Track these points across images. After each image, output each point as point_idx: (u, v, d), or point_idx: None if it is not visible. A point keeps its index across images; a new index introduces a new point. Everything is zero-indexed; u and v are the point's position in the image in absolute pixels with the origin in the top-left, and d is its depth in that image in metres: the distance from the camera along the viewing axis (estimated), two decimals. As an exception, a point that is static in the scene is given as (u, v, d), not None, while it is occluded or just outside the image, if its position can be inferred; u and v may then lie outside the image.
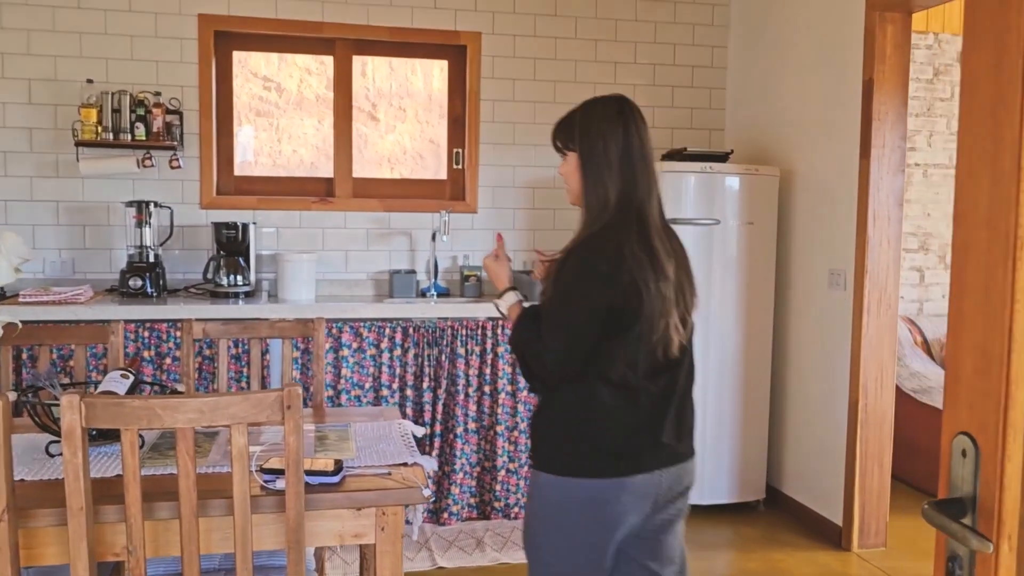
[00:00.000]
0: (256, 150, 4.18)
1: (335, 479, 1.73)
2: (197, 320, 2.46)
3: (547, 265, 1.85)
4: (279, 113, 4.18)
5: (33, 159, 3.83)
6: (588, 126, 1.77)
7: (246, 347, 3.35)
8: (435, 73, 4.30)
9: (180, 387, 1.96)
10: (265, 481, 1.70)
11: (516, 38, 4.26)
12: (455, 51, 4.26)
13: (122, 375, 1.95)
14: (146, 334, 3.40)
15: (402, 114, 4.28)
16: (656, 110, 4.44)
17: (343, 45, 4.16)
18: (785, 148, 4.00)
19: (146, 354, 3.40)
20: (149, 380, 2.14)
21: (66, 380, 2.04)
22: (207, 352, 3.40)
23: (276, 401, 1.52)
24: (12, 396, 1.85)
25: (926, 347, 4.78)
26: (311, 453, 1.94)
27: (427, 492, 1.70)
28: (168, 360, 3.37)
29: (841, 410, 3.56)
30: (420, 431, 2.21)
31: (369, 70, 4.23)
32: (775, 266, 3.96)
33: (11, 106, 3.80)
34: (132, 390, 1.94)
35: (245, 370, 3.39)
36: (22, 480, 1.69)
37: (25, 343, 2.32)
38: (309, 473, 1.70)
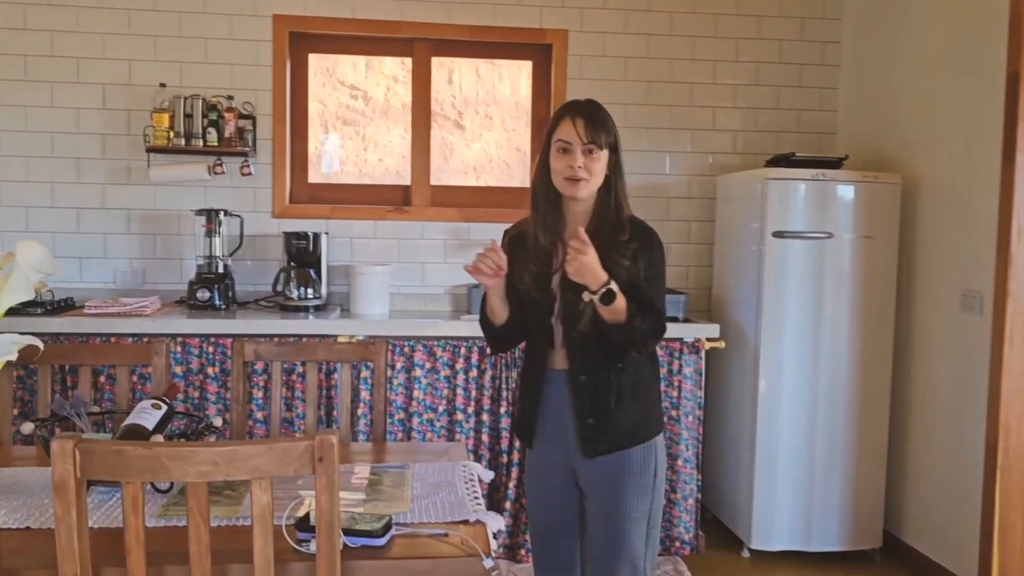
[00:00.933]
0: (342, 159, 4.00)
1: (381, 541, 1.45)
2: (249, 339, 2.24)
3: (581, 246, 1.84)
4: (365, 121, 4.00)
5: (106, 166, 3.74)
6: (615, 128, 1.96)
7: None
8: (522, 80, 4.03)
9: (217, 421, 1.73)
10: (300, 540, 1.44)
11: (606, 36, 3.95)
12: (540, 51, 3.98)
13: (153, 405, 1.74)
14: (211, 349, 3.23)
15: (488, 122, 4.03)
16: (760, 112, 4.05)
17: (422, 45, 3.93)
18: (908, 153, 3.56)
19: (211, 371, 3.22)
20: (184, 411, 1.93)
21: (96, 408, 1.83)
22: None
23: (305, 452, 1.26)
24: (29, 428, 1.65)
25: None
26: (360, 501, 1.68)
27: (489, 563, 1.41)
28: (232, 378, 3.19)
29: (976, 452, 3.09)
30: (488, 475, 1.92)
31: (456, 77, 4.00)
32: (896, 286, 3.52)
33: (85, 111, 3.71)
34: (164, 423, 1.72)
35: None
36: (27, 528, 1.48)
37: (65, 362, 2.14)
38: (350, 533, 1.44)
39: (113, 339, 3.18)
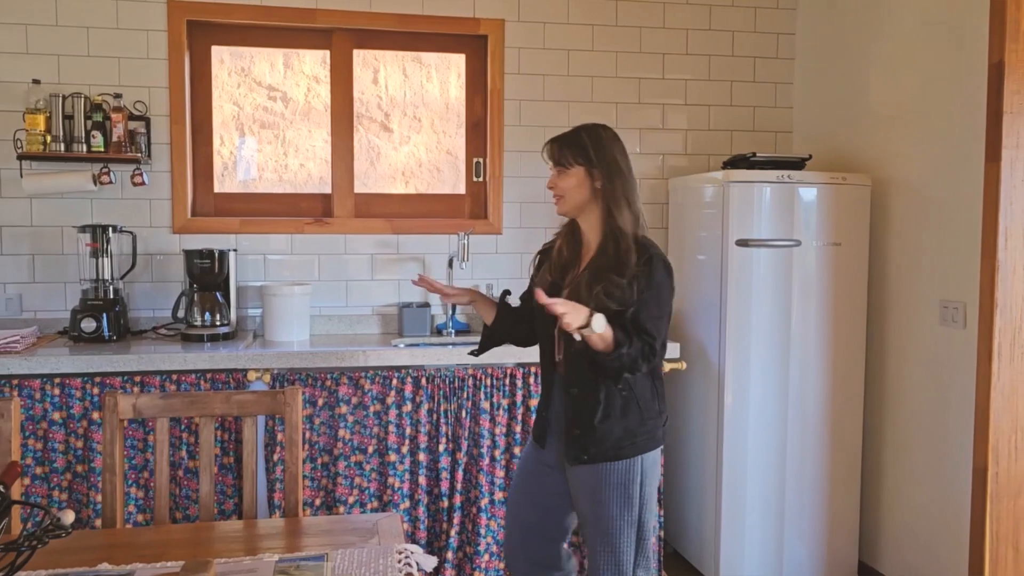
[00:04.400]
0: (261, 165, 3.54)
1: None
2: (124, 394, 1.79)
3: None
4: (285, 124, 3.54)
5: (-29, 176, 3.20)
6: (602, 145, 2.03)
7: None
8: (452, 80, 3.64)
9: (68, 517, 1.30)
10: None
11: (546, 26, 3.59)
12: (474, 42, 3.60)
13: (-21, 500, 1.29)
14: (95, 391, 2.74)
15: (417, 124, 3.63)
16: (712, 109, 3.75)
17: (342, 37, 3.50)
18: (876, 152, 3.29)
19: (96, 415, 2.74)
20: (22, 499, 1.49)
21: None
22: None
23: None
24: None
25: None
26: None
27: None
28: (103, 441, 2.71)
29: (962, 477, 2.83)
30: (430, 563, 1.53)
31: (381, 76, 3.58)
32: (868, 296, 3.25)
33: (-55, 113, 3.17)
34: (-9, 525, 1.27)
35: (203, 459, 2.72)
36: None
37: None
38: None
39: (-25, 383, 2.67)
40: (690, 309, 3.39)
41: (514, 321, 2.29)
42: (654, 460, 2.08)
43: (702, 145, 3.76)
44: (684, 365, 3.17)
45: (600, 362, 1.92)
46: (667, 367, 3.12)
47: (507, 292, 2.35)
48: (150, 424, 2.76)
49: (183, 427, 2.77)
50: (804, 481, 3.19)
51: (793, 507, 3.19)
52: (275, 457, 2.84)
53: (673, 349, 3.15)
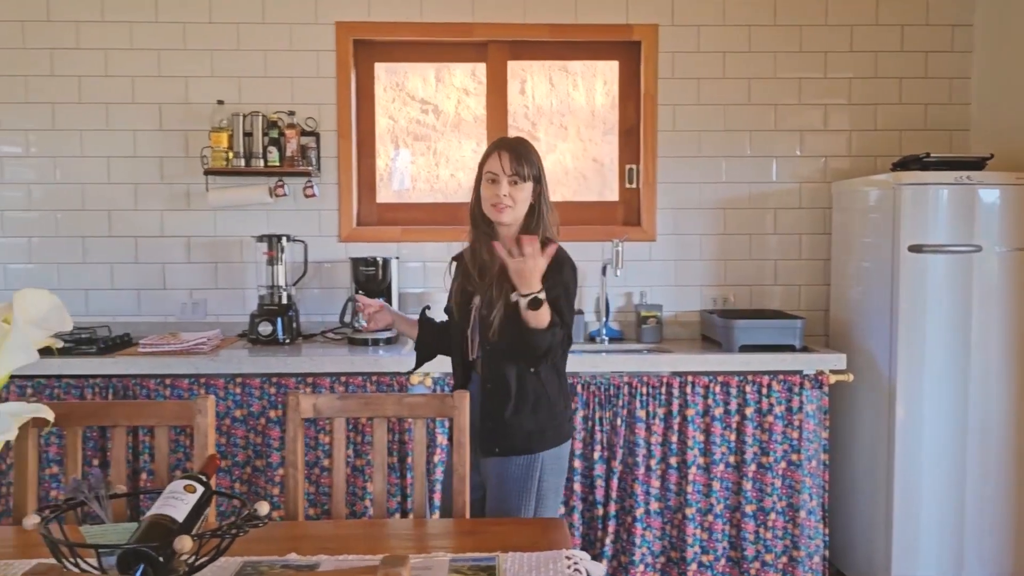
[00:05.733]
0: (413, 175, 3.68)
1: None
2: (306, 394, 1.90)
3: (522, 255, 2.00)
4: (436, 136, 3.67)
5: (164, 191, 3.49)
6: (540, 162, 2.19)
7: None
8: (598, 87, 3.65)
9: (263, 508, 1.39)
10: None
11: (701, 28, 3.53)
12: (627, 49, 3.59)
13: (186, 487, 1.40)
14: (272, 390, 2.93)
15: (564, 132, 3.66)
16: (879, 108, 3.57)
17: (497, 49, 3.58)
18: (1068, 148, 3.03)
19: (273, 414, 2.92)
20: (228, 491, 1.61)
21: (121, 488, 1.51)
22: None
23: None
24: (33, 522, 1.34)
25: None
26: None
27: None
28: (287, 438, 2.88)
29: None
30: (600, 571, 1.53)
31: (528, 86, 3.64)
32: (1058, 305, 3.00)
33: (142, 133, 3.48)
34: (198, 512, 1.38)
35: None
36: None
37: (95, 423, 1.85)
38: None
39: (168, 380, 2.91)
40: (855, 317, 3.24)
41: (438, 332, 2.36)
42: (556, 455, 2.16)
43: (868, 146, 3.58)
44: (851, 377, 3.03)
45: (530, 340, 2.00)
46: (832, 378, 2.99)
47: (427, 307, 2.46)
48: (320, 423, 2.91)
49: (350, 426, 2.90)
50: (986, 502, 2.97)
51: (974, 530, 2.97)
52: (434, 459, 2.93)
53: (839, 360, 3.02)
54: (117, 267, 3.50)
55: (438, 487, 2.90)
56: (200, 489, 1.43)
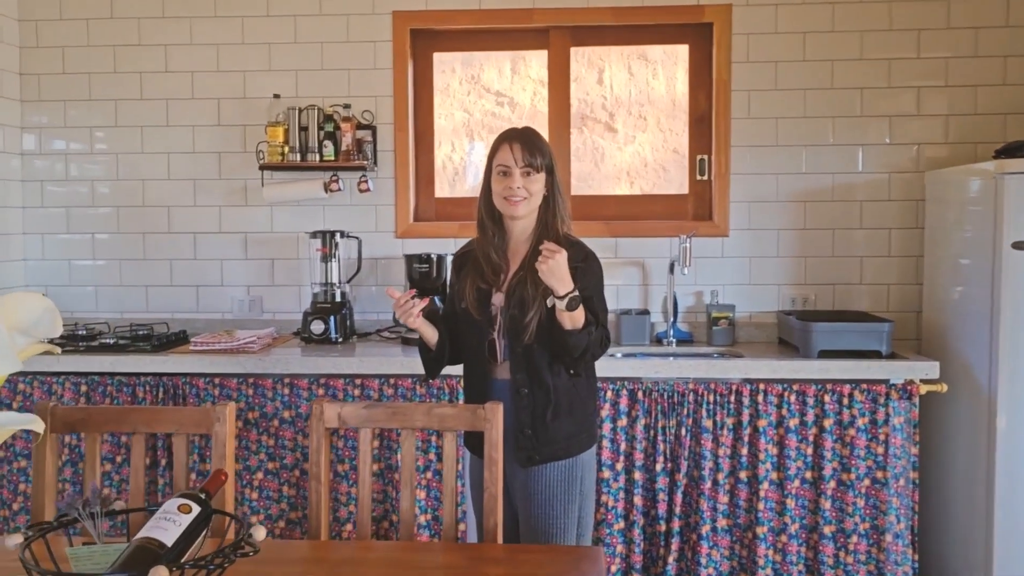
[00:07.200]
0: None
1: None
2: (330, 402, 1.78)
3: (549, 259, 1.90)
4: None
5: (222, 186, 3.46)
6: (551, 152, 2.10)
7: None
8: (679, 75, 3.43)
9: (260, 533, 1.27)
10: None
11: (779, 7, 3.28)
12: (698, 31, 3.36)
13: (181, 507, 1.30)
14: (320, 392, 2.84)
15: (643, 123, 3.46)
16: (980, 90, 3.24)
17: (559, 35, 3.41)
18: None
19: (322, 415, 2.83)
20: (232, 512, 1.49)
21: (120, 503, 1.42)
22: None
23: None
24: (16, 540, 1.26)
25: None
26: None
27: None
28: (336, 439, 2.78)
29: None
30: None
31: (607, 76, 3.45)
32: None
33: (201, 129, 3.45)
34: (190, 535, 1.27)
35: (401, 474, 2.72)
36: None
37: (113, 429, 1.77)
38: None
39: (217, 379, 2.86)
40: (950, 320, 2.94)
41: (449, 335, 2.18)
42: (591, 455, 2.11)
43: (967, 132, 3.26)
44: (944, 387, 2.74)
45: (567, 342, 1.94)
46: (923, 388, 2.72)
47: (434, 300, 2.32)
48: (343, 431, 2.80)
49: (374, 435, 2.79)
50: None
51: (1086, 562, 2.65)
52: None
53: (931, 368, 2.73)
54: (176, 263, 3.49)
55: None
56: (196, 509, 1.32)
